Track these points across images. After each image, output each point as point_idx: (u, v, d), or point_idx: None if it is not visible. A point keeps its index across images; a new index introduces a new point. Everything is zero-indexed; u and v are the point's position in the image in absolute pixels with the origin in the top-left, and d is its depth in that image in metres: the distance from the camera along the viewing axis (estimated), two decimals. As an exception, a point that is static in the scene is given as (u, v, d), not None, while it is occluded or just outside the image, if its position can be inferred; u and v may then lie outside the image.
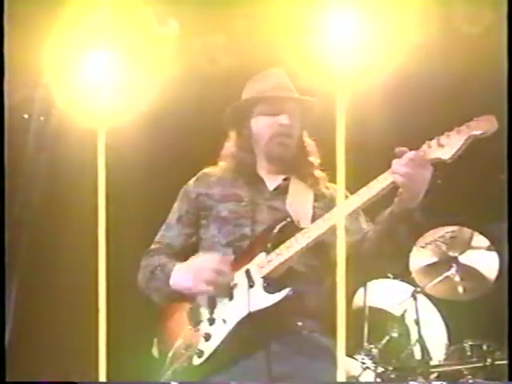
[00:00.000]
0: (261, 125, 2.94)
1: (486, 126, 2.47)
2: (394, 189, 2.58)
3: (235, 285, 2.66)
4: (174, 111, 5.26)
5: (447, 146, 2.50)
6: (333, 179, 2.96)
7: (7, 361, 1.85)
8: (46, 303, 5.42)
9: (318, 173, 2.97)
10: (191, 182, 3.05)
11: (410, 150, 2.54)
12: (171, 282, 2.76)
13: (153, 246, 3.00)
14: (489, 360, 4.29)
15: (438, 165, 2.55)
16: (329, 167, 2.98)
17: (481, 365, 4.31)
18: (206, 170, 3.04)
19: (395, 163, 2.53)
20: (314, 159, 2.98)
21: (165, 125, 5.33)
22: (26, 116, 1.97)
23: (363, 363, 4.44)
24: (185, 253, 2.93)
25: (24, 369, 3.92)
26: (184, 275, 2.74)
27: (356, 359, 4.44)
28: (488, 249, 4.72)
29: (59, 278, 5.58)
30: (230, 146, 3.02)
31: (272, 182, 2.95)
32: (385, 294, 4.85)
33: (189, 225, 2.96)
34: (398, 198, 2.59)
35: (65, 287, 5.56)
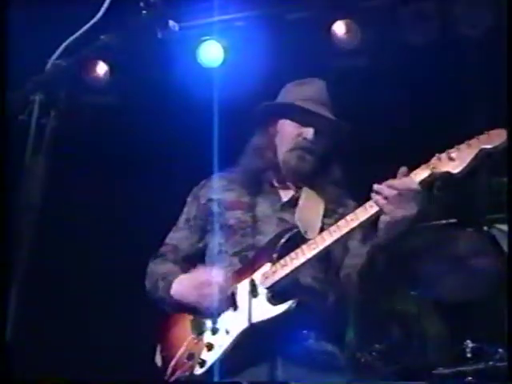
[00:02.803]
0: (286, 131, 2.92)
1: (496, 139, 2.43)
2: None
3: (239, 295, 2.65)
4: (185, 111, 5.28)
5: (458, 160, 2.45)
6: (350, 195, 2.95)
7: (7, 361, 1.84)
8: (48, 303, 5.42)
9: (333, 190, 2.93)
10: (202, 184, 3.03)
11: (418, 163, 2.49)
12: (172, 292, 2.77)
13: (162, 249, 2.99)
14: (490, 362, 4.29)
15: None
16: (348, 184, 2.96)
17: (482, 366, 4.31)
18: (219, 173, 3.01)
19: (377, 187, 2.48)
20: (334, 177, 2.93)
21: (178, 124, 5.36)
22: (25, 118, 1.96)
23: (365, 363, 4.44)
24: (192, 259, 2.92)
25: (25, 369, 3.91)
26: (185, 288, 2.75)
27: (358, 359, 4.44)
28: (489, 249, 4.72)
29: (62, 281, 5.58)
30: (251, 145, 3.00)
31: (285, 191, 2.93)
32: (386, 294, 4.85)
33: (196, 230, 2.94)
34: (381, 229, 2.53)
35: (67, 290, 5.57)
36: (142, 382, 3.90)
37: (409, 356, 4.57)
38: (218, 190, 2.95)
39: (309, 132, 2.86)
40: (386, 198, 2.45)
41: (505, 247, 4.59)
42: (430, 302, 4.84)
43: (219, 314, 2.65)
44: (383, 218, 2.50)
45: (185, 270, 2.87)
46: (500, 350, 4.28)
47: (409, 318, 4.73)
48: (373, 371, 4.42)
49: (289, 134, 2.91)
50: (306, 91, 2.96)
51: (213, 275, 2.67)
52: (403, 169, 2.52)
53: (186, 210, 3.02)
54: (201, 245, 2.94)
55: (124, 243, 5.45)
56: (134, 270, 3.08)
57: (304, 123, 2.88)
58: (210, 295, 2.64)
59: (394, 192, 2.44)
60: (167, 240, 3.01)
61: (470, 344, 4.41)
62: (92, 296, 5.56)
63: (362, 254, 2.71)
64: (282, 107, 2.96)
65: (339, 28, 5.27)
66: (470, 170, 2.47)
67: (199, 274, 2.74)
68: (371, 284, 2.70)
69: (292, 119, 2.91)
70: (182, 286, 2.76)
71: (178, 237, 2.98)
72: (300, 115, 2.89)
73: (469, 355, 4.39)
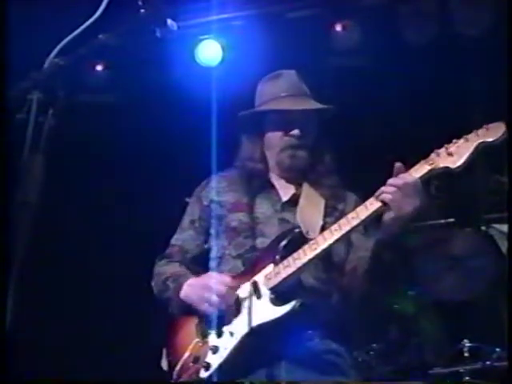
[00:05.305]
0: (272, 135, 2.91)
1: (495, 133, 2.41)
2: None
3: (243, 297, 2.63)
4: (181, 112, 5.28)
5: (456, 155, 2.44)
6: (348, 186, 2.95)
7: (6, 360, 1.84)
8: (48, 303, 5.42)
9: (331, 181, 2.92)
10: (203, 184, 3.02)
11: (416, 160, 2.48)
12: (181, 294, 2.75)
13: (167, 250, 2.98)
14: (487, 362, 4.30)
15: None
16: (344, 173, 2.96)
17: (479, 366, 4.32)
18: (219, 173, 3.00)
19: (388, 183, 2.47)
20: (329, 167, 2.93)
21: (177, 123, 5.36)
22: (23, 116, 1.96)
23: (363, 362, 4.45)
24: (199, 260, 2.90)
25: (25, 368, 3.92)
26: (192, 292, 2.72)
27: (356, 358, 4.45)
28: (487, 248, 4.73)
29: (62, 281, 5.58)
30: (242, 151, 2.99)
31: (285, 190, 2.92)
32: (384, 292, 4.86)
33: (201, 232, 2.93)
34: (386, 224, 2.52)
35: (68, 290, 5.56)
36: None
37: (406, 355, 4.58)
38: (219, 191, 2.93)
39: (294, 131, 2.84)
40: (390, 195, 2.45)
41: (503, 247, 4.59)
42: (427, 301, 4.85)
43: (223, 317, 2.63)
44: (388, 214, 2.49)
45: (193, 272, 2.85)
46: (497, 350, 4.29)
47: (406, 318, 4.74)
48: (370, 370, 4.43)
49: (275, 135, 2.89)
50: (280, 85, 2.93)
51: (219, 281, 2.64)
52: (398, 164, 2.51)
53: (189, 211, 3.00)
54: (206, 246, 2.93)
55: (123, 241, 5.45)
56: (136, 270, 3.07)
57: (287, 122, 2.86)
58: (214, 301, 2.61)
59: (394, 189, 2.45)
60: (172, 241, 2.99)
61: (467, 344, 4.42)
62: (94, 297, 5.55)
63: (365, 246, 2.71)
64: (260, 114, 2.94)
65: (339, 27, 5.27)
66: (469, 168, 2.47)
67: (207, 279, 2.70)
68: (377, 279, 2.69)
69: (275, 122, 2.89)
70: (191, 287, 2.74)
71: (184, 238, 2.96)
72: (280, 117, 2.87)
73: (466, 355, 4.40)
